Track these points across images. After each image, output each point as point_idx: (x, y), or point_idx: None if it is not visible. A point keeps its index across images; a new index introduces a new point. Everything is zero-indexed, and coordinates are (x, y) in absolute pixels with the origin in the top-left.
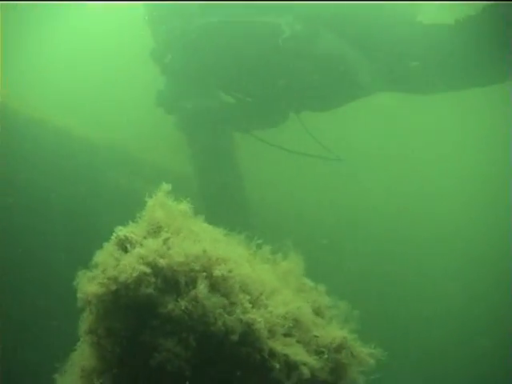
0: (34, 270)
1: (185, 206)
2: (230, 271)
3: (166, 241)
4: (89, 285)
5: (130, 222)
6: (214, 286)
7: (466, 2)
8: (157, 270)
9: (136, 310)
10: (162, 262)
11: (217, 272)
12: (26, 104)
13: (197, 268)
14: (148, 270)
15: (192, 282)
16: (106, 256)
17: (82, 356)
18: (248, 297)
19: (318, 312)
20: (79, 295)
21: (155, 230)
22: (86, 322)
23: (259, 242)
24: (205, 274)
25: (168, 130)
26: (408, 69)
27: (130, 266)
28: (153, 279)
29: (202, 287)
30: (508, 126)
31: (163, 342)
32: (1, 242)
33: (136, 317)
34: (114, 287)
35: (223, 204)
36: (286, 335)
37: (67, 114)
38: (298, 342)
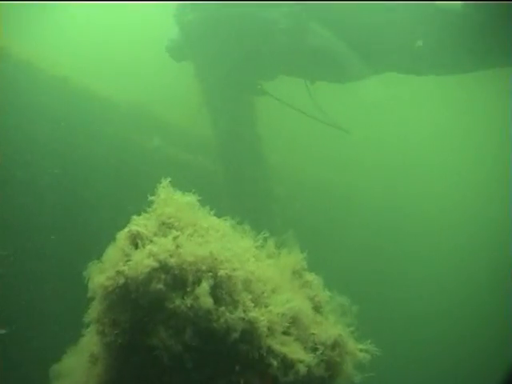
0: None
1: (192, 199)
2: (234, 270)
3: (175, 239)
4: (98, 276)
5: (142, 213)
6: (219, 284)
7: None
8: (167, 268)
9: (143, 304)
10: (172, 260)
11: (221, 272)
12: (51, 62)
13: (203, 268)
14: (159, 267)
15: (198, 281)
16: (116, 250)
17: (91, 342)
18: (250, 296)
19: (317, 308)
20: (90, 285)
21: (165, 226)
22: (94, 311)
23: (266, 235)
24: (210, 273)
25: (190, 92)
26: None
27: (141, 262)
28: (163, 276)
29: (205, 285)
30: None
31: (165, 336)
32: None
33: (143, 310)
34: (122, 281)
35: (243, 166)
36: (284, 333)
37: (91, 75)
38: (295, 339)
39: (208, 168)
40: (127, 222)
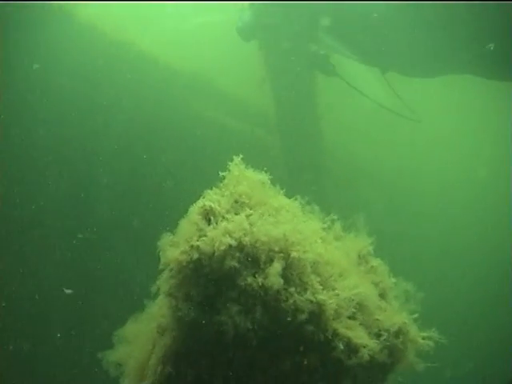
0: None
1: (264, 177)
2: (304, 252)
3: (248, 217)
4: (171, 251)
5: (214, 188)
6: (290, 266)
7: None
8: (241, 246)
9: (216, 280)
10: (246, 239)
11: (294, 253)
12: (114, 26)
13: (276, 249)
14: (234, 245)
15: (270, 261)
16: (189, 225)
17: (160, 313)
18: (318, 278)
19: (382, 294)
20: (162, 259)
21: (238, 203)
22: (166, 284)
23: (334, 217)
24: (282, 254)
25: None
26: None
27: (217, 238)
28: (237, 254)
29: (277, 266)
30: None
31: (234, 312)
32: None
33: (215, 286)
34: (195, 256)
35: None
36: (350, 317)
37: (154, 41)
38: (360, 324)
39: (266, 140)
40: (191, 194)
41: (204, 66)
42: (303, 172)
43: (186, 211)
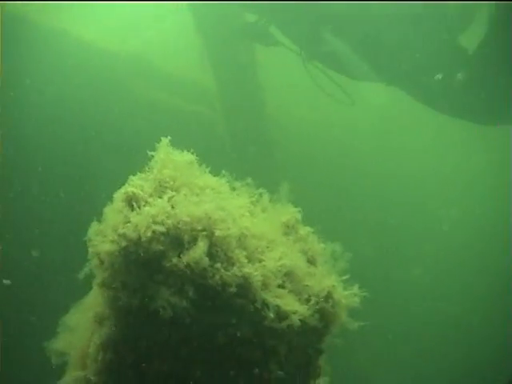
0: None
1: (191, 157)
2: (228, 228)
3: (170, 199)
4: (101, 244)
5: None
6: (214, 243)
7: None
8: (164, 229)
9: (143, 265)
10: (169, 222)
11: (218, 232)
12: (48, 15)
13: (199, 228)
14: (160, 229)
15: (194, 240)
16: (114, 213)
17: (96, 303)
18: (244, 252)
19: (311, 260)
20: (90, 250)
21: (162, 186)
22: (99, 276)
23: (261, 191)
24: (205, 233)
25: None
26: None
27: (141, 224)
28: (162, 237)
29: (201, 245)
30: None
31: (165, 293)
32: None
33: (145, 271)
34: (124, 244)
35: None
36: (279, 286)
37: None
38: (290, 292)
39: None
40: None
41: (144, 48)
42: (249, 145)
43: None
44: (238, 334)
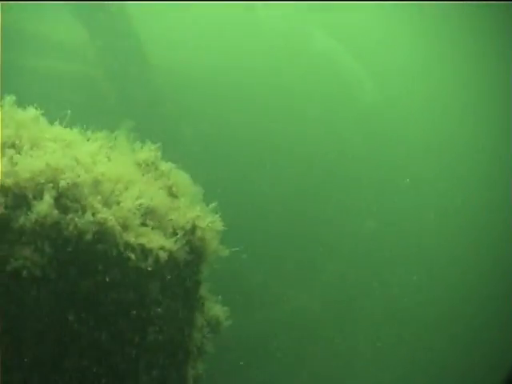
0: None
1: (36, 113)
2: (78, 176)
3: (11, 159)
4: None
5: None
6: (63, 194)
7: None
8: (5, 190)
9: None
10: (8, 181)
11: (62, 182)
12: None
13: (42, 181)
14: None
15: (40, 195)
16: None
17: None
18: (99, 197)
19: (175, 194)
20: None
21: (5, 146)
22: None
23: (117, 133)
24: (51, 185)
25: None
26: None
27: None
28: (2, 199)
29: (47, 198)
30: None
31: (20, 252)
32: None
33: None
34: None
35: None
36: (141, 225)
37: None
38: (154, 228)
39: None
40: None
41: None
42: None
43: None
44: (107, 279)
